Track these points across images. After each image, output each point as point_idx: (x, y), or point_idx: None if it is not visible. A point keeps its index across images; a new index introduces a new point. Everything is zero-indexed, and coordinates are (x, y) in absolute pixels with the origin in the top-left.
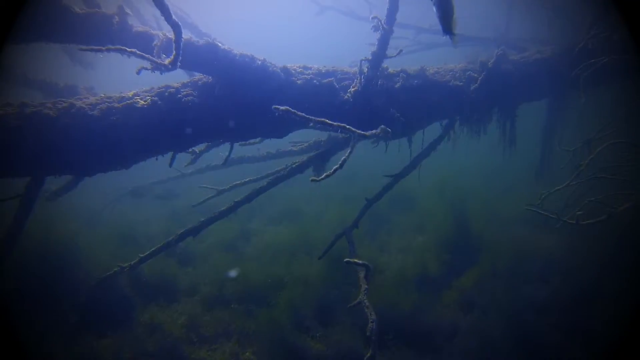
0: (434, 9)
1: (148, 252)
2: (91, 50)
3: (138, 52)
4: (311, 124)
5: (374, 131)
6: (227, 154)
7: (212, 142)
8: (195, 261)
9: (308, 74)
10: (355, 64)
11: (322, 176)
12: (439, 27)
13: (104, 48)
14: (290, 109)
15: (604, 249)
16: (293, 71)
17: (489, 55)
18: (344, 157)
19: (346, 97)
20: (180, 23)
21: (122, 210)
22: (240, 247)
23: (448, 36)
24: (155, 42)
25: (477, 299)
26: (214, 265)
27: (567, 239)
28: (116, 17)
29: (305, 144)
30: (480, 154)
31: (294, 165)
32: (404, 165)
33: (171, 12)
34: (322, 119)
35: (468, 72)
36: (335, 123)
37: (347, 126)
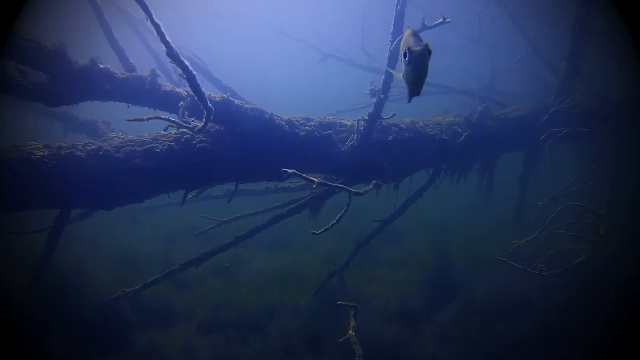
0: (406, 73)
1: (151, 280)
2: (135, 120)
3: (171, 119)
4: (314, 185)
5: (367, 188)
6: (230, 187)
7: (221, 183)
8: (191, 285)
9: (310, 126)
10: (353, 106)
11: (321, 230)
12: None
13: (145, 118)
14: (297, 172)
15: (574, 290)
16: (297, 123)
17: (473, 109)
18: (340, 214)
19: (343, 149)
20: (210, 104)
21: (121, 231)
22: (234, 272)
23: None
24: (181, 103)
25: (454, 333)
26: (210, 290)
27: (540, 279)
28: (148, 78)
29: (303, 182)
30: (465, 194)
31: (293, 206)
32: (393, 198)
33: (207, 100)
34: (324, 181)
35: (454, 127)
36: (334, 184)
37: (346, 187)
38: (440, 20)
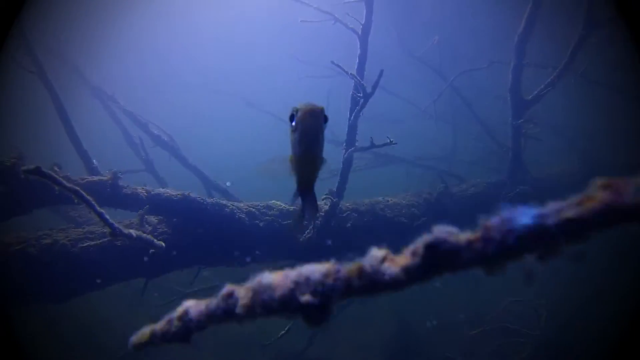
0: (292, 146)
1: None
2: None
3: (134, 235)
4: None
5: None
6: None
7: (183, 269)
8: (150, 354)
9: (270, 216)
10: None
11: (271, 341)
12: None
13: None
14: None
15: None
16: (257, 213)
17: (432, 188)
18: (288, 326)
19: (302, 239)
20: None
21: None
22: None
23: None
24: (139, 211)
25: None
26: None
27: (500, 349)
28: (109, 181)
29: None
30: None
31: None
32: None
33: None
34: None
35: (412, 209)
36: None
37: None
38: (388, 141)
